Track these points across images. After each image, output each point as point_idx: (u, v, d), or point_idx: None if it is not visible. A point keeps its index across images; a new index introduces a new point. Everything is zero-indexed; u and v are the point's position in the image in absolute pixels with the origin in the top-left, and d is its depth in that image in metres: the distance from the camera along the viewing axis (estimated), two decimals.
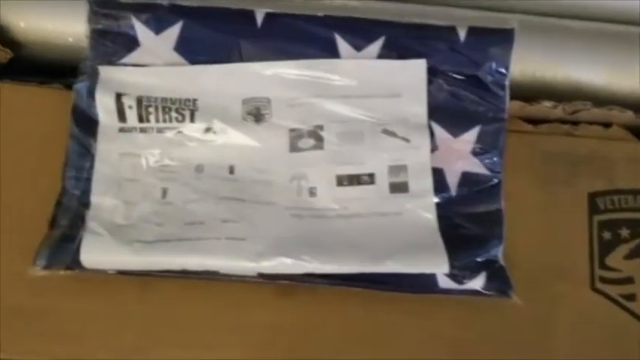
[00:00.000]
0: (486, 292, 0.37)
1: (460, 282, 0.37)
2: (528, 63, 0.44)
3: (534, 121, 0.44)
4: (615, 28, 0.48)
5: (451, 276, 0.37)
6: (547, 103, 0.43)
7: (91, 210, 0.38)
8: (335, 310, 0.38)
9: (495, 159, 0.40)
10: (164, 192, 0.39)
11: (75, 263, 0.37)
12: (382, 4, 0.44)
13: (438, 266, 0.37)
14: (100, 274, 0.37)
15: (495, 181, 0.40)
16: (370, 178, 0.40)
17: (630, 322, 0.40)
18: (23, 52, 0.45)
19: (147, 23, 0.40)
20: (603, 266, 0.41)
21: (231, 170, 0.40)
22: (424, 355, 0.37)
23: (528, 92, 0.44)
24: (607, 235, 0.41)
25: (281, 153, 0.40)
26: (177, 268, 0.37)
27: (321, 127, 0.40)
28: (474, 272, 0.37)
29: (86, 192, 0.38)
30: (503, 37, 0.40)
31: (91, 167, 0.39)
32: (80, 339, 0.37)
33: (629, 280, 0.40)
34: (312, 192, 0.40)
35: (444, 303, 0.38)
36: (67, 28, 0.44)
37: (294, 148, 0.40)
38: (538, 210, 0.42)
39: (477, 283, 0.37)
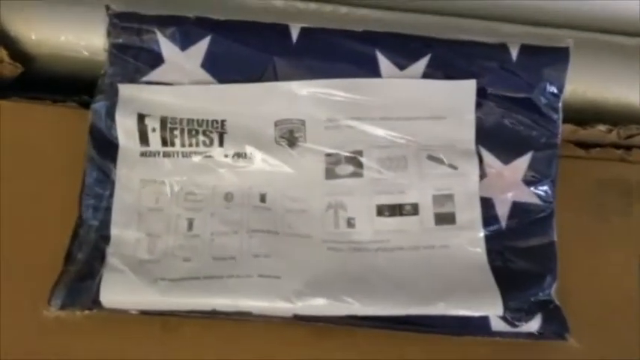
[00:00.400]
0: (542, 334, 0.34)
1: (514, 325, 0.34)
2: (579, 83, 0.42)
3: (585, 145, 0.41)
4: None
5: (505, 318, 0.34)
6: (601, 127, 0.40)
7: (112, 244, 0.34)
8: (376, 355, 0.35)
9: (548, 188, 0.37)
10: (190, 223, 0.36)
11: (94, 303, 0.33)
12: (423, 17, 0.42)
13: (492, 308, 0.34)
14: (121, 314, 0.34)
15: (548, 211, 0.37)
16: (413, 209, 0.37)
17: None
18: (34, 66, 0.41)
19: (172, 38, 0.36)
20: None
21: (263, 199, 0.37)
22: None
23: (579, 114, 0.42)
24: None
25: (316, 180, 0.37)
26: (206, 308, 0.33)
27: (360, 153, 0.37)
28: (528, 314, 0.34)
29: (105, 223, 0.35)
30: (558, 56, 0.37)
31: (111, 195, 0.35)
32: None
33: None
34: (350, 223, 0.37)
35: (496, 346, 0.35)
36: (82, 40, 0.40)
37: (330, 174, 0.37)
38: (590, 241, 0.39)
39: (532, 325, 0.34)
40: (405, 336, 0.35)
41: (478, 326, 0.34)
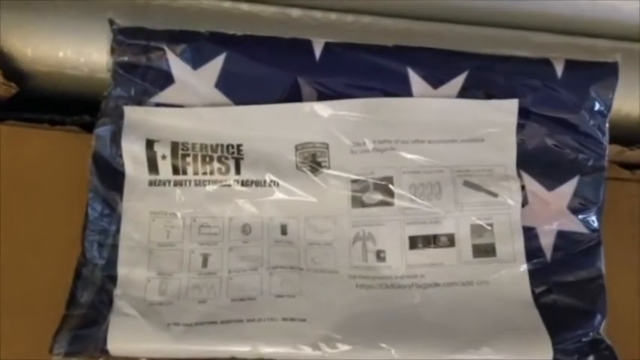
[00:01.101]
0: None
1: None
2: (624, 99, 0.39)
3: (630, 166, 0.38)
4: None
5: None
6: None
7: (119, 285, 0.31)
8: None
9: (595, 215, 0.34)
10: (205, 259, 0.32)
11: (101, 352, 0.30)
12: (455, 27, 0.38)
13: (541, 352, 0.31)
14: None
15: (595, 241, 0.34)
16: (449, 240, 0.33)
17: None
18: (31, 83, 0.38)
19: (183, 56, 0.33)
20: None
21: (284, 231, 0.33)
22: None
23: (623, 133, 0.39)
24: None
25: (342, 209, 0.34)
26: (224, 356, 0.30)
27: (389, 179, 0.34)
28: (580, 357, 0.31)
29: (112, 262, 0.32)
30: (606, 72, 0.34)
31: (117, 231, 0.32)
32: None
33: None
34: (380, 256, 0.33)
35: None
36: (82, 57, 0.37)
37: (357, 203, 0.34)
38: (635, 272, 0.36)
39: None
40: None
41: None
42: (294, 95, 0.34)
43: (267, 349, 0.30)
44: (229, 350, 0.30)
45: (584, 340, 0.32)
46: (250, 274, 0.32)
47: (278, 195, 0.34)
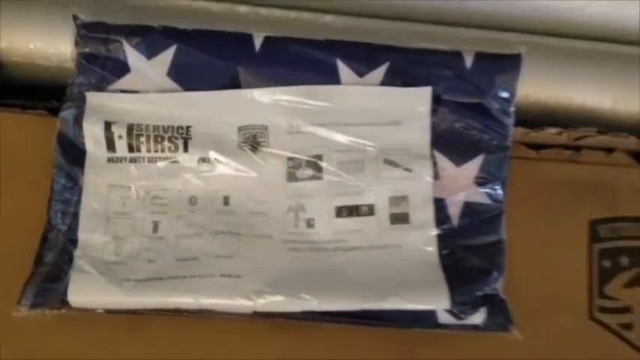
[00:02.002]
0: (486, 327, 0.37)
1: (460, 317, 0.36)
2: (532, 87, 0.44)
3: (536, 147, 0.43)
4: (621, 49, 0.47)
5: (451, 312, 0.36)
6: (552, 130, 0.42)
7: (79, 247, 0.36)
8: (333, 348, 0.37)
9: (498, 188, 0.39)
10: (155, 226, 0.37)
11: (62, 303, 0.35)
12: (385, 23, 0.43)
13: (439, 302, 0.36)
14: (88, 313, 0.35)
15: (498, 211, 0.39)
16: (370, 210, 0.39)
17: (627, 351, 0.40)
18: (5, 72, 0.42)
19: (138, 47, 0.38)
20: (602, 295, 0.40)
21: (226, 202, 0.38)
22: None
23: (531, 117, 0.44)
24: (607, 263, 0.41)
25: (278, 183, 0.39)
26: (169, 307, 0.35)
27: (320, 157, 0.39)
28: (474, 307, 0.36)
29: (73, 227, 0.36)
30: (511, 63, 0.39)
31: (79, 201, 0.37)
32: None
33: (627, 310, 0.40)
34: (309, 223, 0.38)
35: (443, 338, 0.37)
36: (51, 48, 0.41)
37: (291, 178, 0.39)
38: (538, 239, 0.41)
39: (477, 318, 0.36)
40: (358, 329, 0.37)
41: (426, 319, 0.36)
42: (235, 83, 0.38)
43: (206, 301, 0.35)
44: (174, 301, 0.35)
45: (479, 293, 0.37)
46: (194, 238, 0.37)
47: (221, 170, 0.39)
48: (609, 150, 0.44)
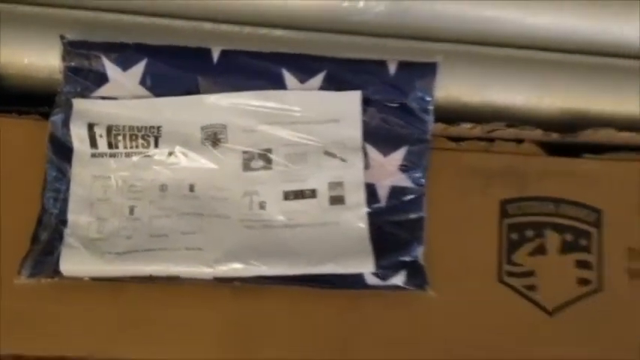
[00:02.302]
0: (406, 287, 0.45)
1: (384, 279, 0.44)
2: (452, 89, 0.51)
3: (456, 139, 0.51)
4: (532, 55, 0.55)
5: (376, 274, 0.44)
6: (467, 125, 0.50)
7: (68, 227, 0.44)
8: (279, 306, 0.45)
9: (420, 174, 0.47)
10: (131, 209, 0.45)
11: (55, 272, 0.43)
12: (324, 35, 0.51)
13: (366, 266, 0.44)
14: (77, 281, 0.43)
15: (420, 193, 0.47)
16: (312, 193, 0.46)
17: (531, 308, 0.47)
18: (2, 84, 0.50)
19: (115, 61, 0.45)
20: (510, 262, 0.48)
21: (192, 189, 0.46)
22: (354, 339, 0.45)
23: (452, 115, 0.51)
24: (514, 235, 0.49)
25: (235, 173, 0.46)
26: (144, 274, 0.43)
27: (269, 150, 0.47)
28: (396, 270, 0.44)
29: (63, 211, 0.44)
30: (428, 70, 0.47)
31: (67, 189, 0.45)
32: (59, 337, 0.43)
33: (531, 274, 0.48)
34: (262, 206, 0.46)
35: (371, 297, 0.45)
36: (42, 62, 0.49)
37: (246, 168, 0.47)
38: (455, 216, 0.49)
39: (399, 279, 0.45)
40: (302, 290, 0.45)
41: (356, 281, 0.44)
42: (197, 90, 0.46)
43: (175, 269, 0.43)
44: (148, 270, 0.43)
45: (401, 259, 0.45)
46: (164, 219, 0.45)
47: (187, 163, 0.46)
48: (519, 141, 0.52)
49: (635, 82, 0.54)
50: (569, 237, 0.49)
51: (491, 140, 0.51)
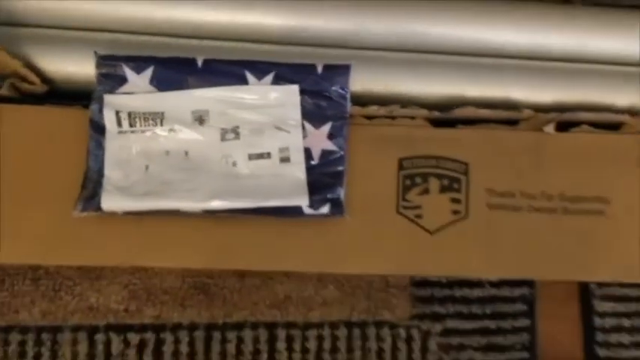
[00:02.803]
0: (330, 214, 0.67)
1: (316, 209, 0.66)
2: (367, 83, 0.72)
3: (369, 117, 0.72)
4: (435, 58, 0.75)
5: (310, 206, 0.66)
6: (375, 107, 0.71)
7: (105, 178, 0.65)
8: (245, 230, 0.66)
9: (342, 141, 0.68)
10: (147, 167, 0.67)
11: (98, 209, 0.65)
12: (273, 47, 0.72)
13: (303, 201, 0.66)
14: (112, 214, 0.65)
15: (342, 153, 0.68)
16: (268, 155, 0.68)
17: (419, 230, 0.69)
18: (53, 86, 0.71)
19: (132, 68, 0.67)
20: (404, 199, 0.69)
21: (186, 154, 0.68)
22: (294, 251, 0.67)
23: (367, 100, 0.72)
24: (407, 182, 0.70)
25: (215, 142, 0.68)
26: (157, 209, 0.65)
27: (238, 127, 0.68)
28: (324, 203, 0.67)
29: (101, 168, 0.66)
30: (345, 70, 0.69)
31: (103, 154, 0.66)
32: (101, 251, 0.65)
33: (418, 207, 0.69)
34: (234, 164, 0.68)
35: (305, 223, 0.67)
36: (82, 70, 0.69)
37: (223, 139, 0.68)
38: (367, 168, 0.69)
39: (325, 209, 0.66)
40: (260, 218, 0.66)
41: (296, 211, 0.66)
42: (187, 86, 0.67)
43: (177, 204, 0.65)
44: (159, 205, 0.65)
45: (328, 197, 0.67)
46: (169, 172, 0.66)
47: (183, 136, 0.68)
48: (412, 117, 0.73)
49: (500, 76, 0.76)
50: (445, 182, 0.71)
51: (393, 117, 0.72)
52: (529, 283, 0.78)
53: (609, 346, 0.78)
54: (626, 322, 0.78)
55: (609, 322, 0.79)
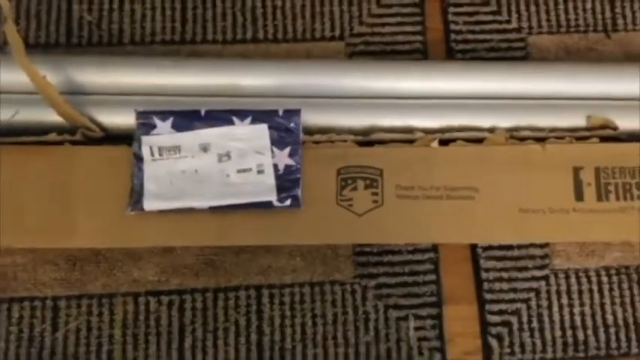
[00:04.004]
0: (292, 206, 1.01)
1: (281, 203, 1.01)
2: (312, 119, 1.07)
3: (316, 142, 1.07)
4: (355, 101, 1.11)
5: (278, 201, 1.01)
6: (318, 135, 1.06)
7: (145, 190, 1.01)
8: (234, 219, 1.01)
9: (298, 158, 1.03)
10: (171, 181, 1.02)
11: (141, 209, 1.00)
12: (250, 99, 1.08)
13: (272, 197, 1.01)
14: (151, 212, 0.99)
15: (298, 167, 1.03)
16: (250, 169, 1.03)
17: (350, 214, 1.02)
18: (108, 132, 1.06)
19: (159, 118, 1.03)
20: (341, 195, 1.03)
21: (196, 171, 1.02)
22: (268, 231, 1.00)
23: (314, 131, 1.07)
24: (343, 183, 1.04)
25: (215, 163, 1.03)
26: (179, 207, 1.00)
27: (229, 152, 1.03)
28: (287, 199, 1.01)
29: (142, 184, 1.01)
30: (297, 112, 1.05)
31: (143, 175, 1.01)
32: (143, 235, 0.99)
33: (350, 199, 1.03)
34: (227, 176, 1.03)
35: (275, 213, 1.01)
36: (125, 122, 1.05)
37: (219, 160, 1.03)
38: (315, 176, 1.03)
39: (288, 202, 1.01)
40: (245, 211, 1.01)
41: (268, 205, 1.01)
42: (195, 128, 1.03)
43: (191, 204, 1.01)
44: (179, 204, 0.99)
45: (290, 194, 1.02)
46: (186, 183, 1.02)
47: (193, 160, 1.03)
48: (344, 140, 1.07)
49: (402, 112, 1.11)
50: (367, 182, 1.03)
51: (332, 141, 1.07)
52: (434, 249, 1.11)
53: (493, 292, 1.09)
54: (504, 275, 1.10)
55: (492, 275, 1.11)
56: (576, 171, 1.04)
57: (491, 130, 1.07)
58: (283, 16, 1.15)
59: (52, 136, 0.99)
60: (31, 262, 1.04)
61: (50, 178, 0.99)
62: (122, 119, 1.02)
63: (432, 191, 1.03)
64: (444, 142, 1.06)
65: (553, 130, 1.06)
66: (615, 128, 1.06)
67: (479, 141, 1.08)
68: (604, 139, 1.08)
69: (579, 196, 1.03)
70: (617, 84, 1.09)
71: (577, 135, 1.06)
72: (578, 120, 1.08)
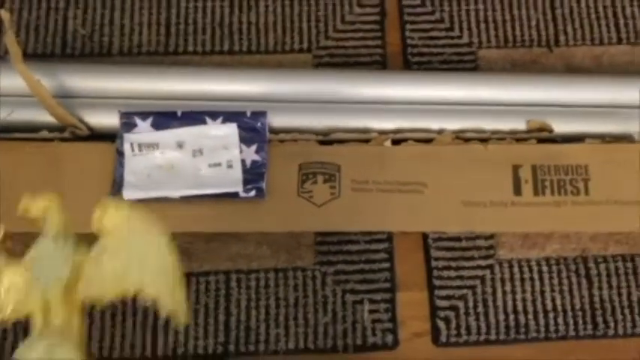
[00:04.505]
0: (256, 197, 1.13)
1: (247, 193, 1.12)
2: (277, 121, 1.19)
3: (281, 140, 1.19)
4: (318, 105, 1.23)
5: (245, 191, 1.12)
6: (282, 134, 1.17)
7: (125, 181, 1.12)
8: (205, 207, 1.12)
9: (264, 154, 1.15)
10: (149, 175, 1.14)
11: (121, 197, 1.10)
12: (221, 102, 1.20)
13: (239, 188, 1.13)
14: (132, 201, 1.10)
15: (264, 162, 1.15)
16: (220, 164, 1.15)
17: (310, 205, 1.13)
18: (94, 131, 1.18)
19: (140, 118, 1.16)
20: (302, 187, 1.14)
21: (172, 167, 1.14)
22: (234, 218, 1.11)
23: (279, 130, 1.19)
24: (304, 177, 1.15)
25: (189, 157, 1.15)
26: (155, 197, 1.11)
27: (202, 149, 1.16)
28: (252, 190, 1.13)
29: (122, 175, 1.13)
30: (264, 114, 1.17)
31: (123, 168, 1.13)
32: None
33: (310, 191, 1.14)
34: (200, 169, 1.15)
35: (241, 203, 1.13)
36: (109, 121, 1.17)
37: (194, 155, 1.16)
38: (279, 170, 1.15)
39: (253, 193, 1.13)
40: (218, 199, 1.12)
41: (235, 196, 1.13)
42: (173, 127, 1.15)
43: (168, 193, 1.12)
44: (156, 194, 1.11)
45: (255, 186, 1.14)
46: (163, 175, 1.13)
47: (170, 156, 1.15)
48: (308, 140, 1.19)
49: (359, 114, 1.23)
50: (326, 177, 1.13)
51: (295, 140, 1.19)
52: (389, 240, 1.20)
53: (442, 279, 1.18)
54: (452, 264, 1.19)
55: (442, 263, 1.20)
56: (515, 168, 1.15)
57: (440, 131, 1.18)
58: (257, 31, 1.28)
59: (44, 134, 1.09)
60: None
61: (41, 171, 1.10)
62: (107, 119, 1.13)
63: (384, 185, 1.14)
64: (396, 142, 1.15)
65: (495, 132, 1.18)
66: (551, 131, 1.18)
67: (428, 141, 1.19)
68: (541, 140, 1.19)
69: (517, 190, 1.14)
70: (554, 92, 1.21)
71: (517, 136, 1.18)
72: (518, 124, 1.19)
